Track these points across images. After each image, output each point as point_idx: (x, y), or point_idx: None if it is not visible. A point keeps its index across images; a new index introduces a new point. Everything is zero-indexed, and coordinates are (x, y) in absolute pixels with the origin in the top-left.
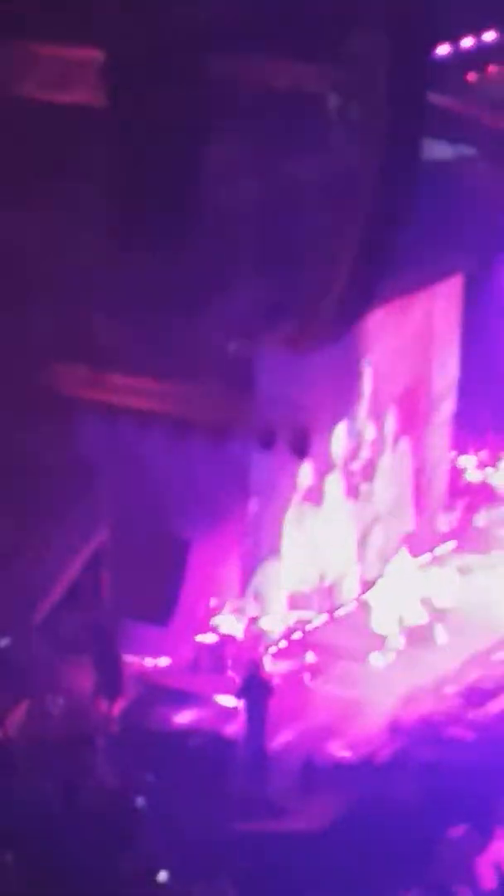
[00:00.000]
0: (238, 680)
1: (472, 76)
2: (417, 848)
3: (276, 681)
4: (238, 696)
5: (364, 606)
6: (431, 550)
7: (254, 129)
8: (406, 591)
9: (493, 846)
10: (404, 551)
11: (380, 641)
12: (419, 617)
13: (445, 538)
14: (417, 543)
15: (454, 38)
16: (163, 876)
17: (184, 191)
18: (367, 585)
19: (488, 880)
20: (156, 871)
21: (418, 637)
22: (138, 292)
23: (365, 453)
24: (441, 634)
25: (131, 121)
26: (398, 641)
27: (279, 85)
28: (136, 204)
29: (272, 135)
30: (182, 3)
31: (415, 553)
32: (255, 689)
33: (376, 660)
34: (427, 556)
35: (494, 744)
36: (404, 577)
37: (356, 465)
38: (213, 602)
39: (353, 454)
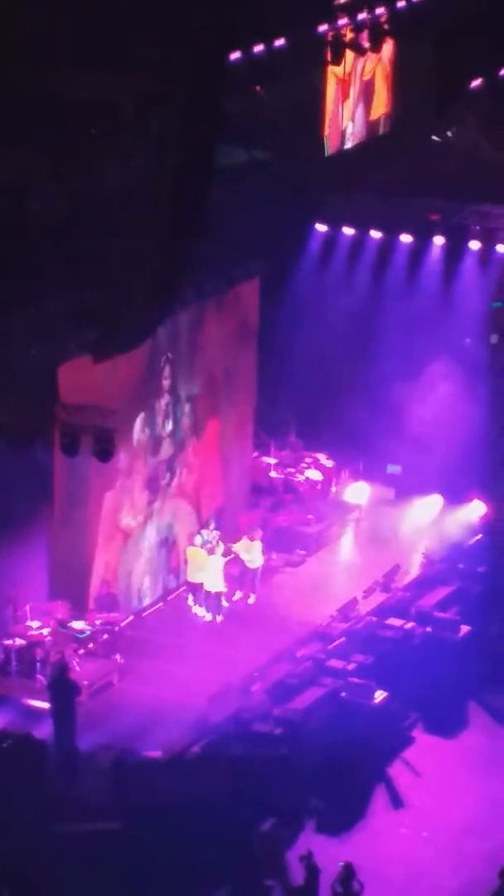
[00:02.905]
0: (46, 681)
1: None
2: (228, 844)
3: (84, 682)
4: (46, 697)
5: (171, 606)
6: (232, 544)
7: (52, 138)
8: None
9: (301, 839)
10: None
11: (186, 640)
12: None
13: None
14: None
15: (246, 45)
16: None
17: None
18: (174, 582)
19: (297, 873)
20: None
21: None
22: None
23: (166, 448)
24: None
25: None
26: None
27: (77, 93)
28: None
29: (71, 143)
30: None
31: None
32: (63, 690)
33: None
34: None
35: (300, 739)
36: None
37: (159, 460)
38: (20, 605)
39: (155, 449)
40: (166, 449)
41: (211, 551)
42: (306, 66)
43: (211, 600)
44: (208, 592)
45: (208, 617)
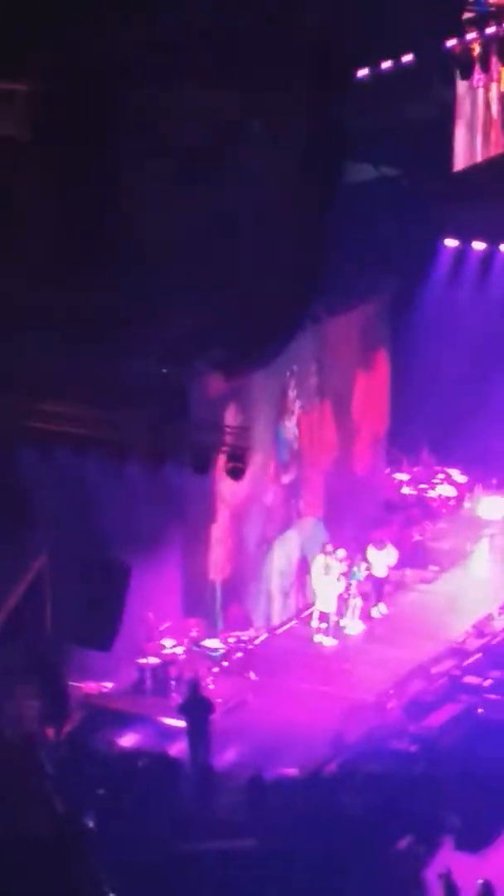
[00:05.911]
0: (181, 700)
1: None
2: (365, 861)
3: (218, 700)
4: (181, 715)
5: (304, 624)
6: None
7: (180, 159)
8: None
9: (439, 857)
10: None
11: (320, 657)
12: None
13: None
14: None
15: (373, 61)
16: None
17: (109, 221)
18: (306, 600)
19: (436, 891)
20: (105, 893)
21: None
22: (71, 321)
23: (294, 468)
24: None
25: (55, 153)
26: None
27: (203, 113)
28: (63, 235)
29: (198, 164)
30: (102, 35)
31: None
32: (198, 708)
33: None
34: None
35: (437, 756)
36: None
37: (287, 479)
38: (154, 624)
39: (284, 469)
40: (293, 469)
41: (327, 572)
42: (435, 81)
43: (324, 621)
44: (322, 612)
45: (323, 640)
